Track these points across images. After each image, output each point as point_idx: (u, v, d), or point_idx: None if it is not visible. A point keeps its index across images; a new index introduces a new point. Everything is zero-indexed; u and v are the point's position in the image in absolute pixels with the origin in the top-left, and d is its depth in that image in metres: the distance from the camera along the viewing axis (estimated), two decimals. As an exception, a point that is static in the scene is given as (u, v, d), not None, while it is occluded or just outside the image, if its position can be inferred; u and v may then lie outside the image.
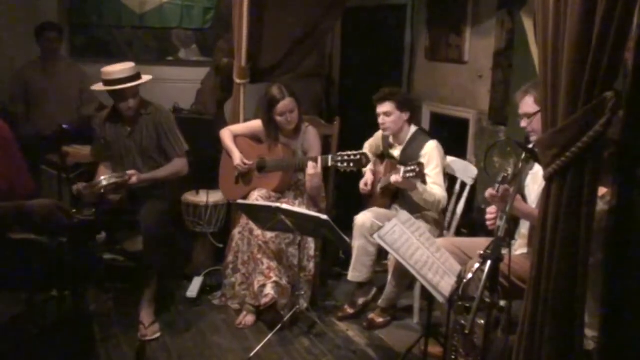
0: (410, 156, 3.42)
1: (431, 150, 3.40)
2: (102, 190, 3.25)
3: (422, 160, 3.35)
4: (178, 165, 3.58)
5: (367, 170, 3.68)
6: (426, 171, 3.34)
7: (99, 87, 3.47)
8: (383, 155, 3.73)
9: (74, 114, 4.53)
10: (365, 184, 3.64)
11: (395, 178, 3.23)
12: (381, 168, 3.66)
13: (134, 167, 3.49)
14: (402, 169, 3.16)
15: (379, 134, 3.74)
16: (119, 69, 3.41)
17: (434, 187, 3.34)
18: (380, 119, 3.50)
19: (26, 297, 3.10)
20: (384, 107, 3.47)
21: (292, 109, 3.52)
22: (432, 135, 3.58)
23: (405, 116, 3.49)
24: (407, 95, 3.55)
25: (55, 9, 5.04)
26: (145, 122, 3.53)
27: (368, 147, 3.81)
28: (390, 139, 3.60)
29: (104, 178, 3.29)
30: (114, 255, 3.47)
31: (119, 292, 3.69)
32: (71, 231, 2.59)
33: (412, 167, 3.12)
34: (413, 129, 3.55)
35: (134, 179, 3.37)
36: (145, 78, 3.51)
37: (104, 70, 3.43)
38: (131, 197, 3.45)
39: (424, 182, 3.32)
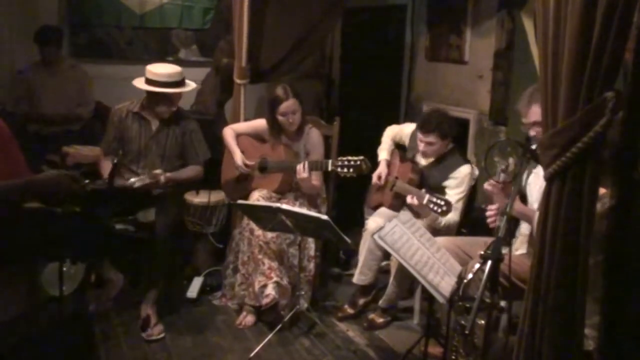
0: (438, 174, 3.37)
1: (464, 176, 3.32)
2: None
3: (451, 181, 3.31)
4: (196, 170, 3.69)
5: (382, 161, 3.59)
6: (450, 192, 3.28)
7: (142, 84, 3.48)
8: (404, 149, 3.65)
9: (71, 114, 4.54)
10: (379, 177, 3.53)
11: (412, 200, 3.15)
12: (397, 162, 3.58)
13: (152, 167, 3.54)
14: (427, 196, 3.07)
15: (408, 129, 3.62)
16: (168, 71, 3.47)
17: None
18: (422, 147, 3.36)
19: (26, 296, 3.10)
20: (428, 138, 3.32)
21: (294, 110, 3.52)
22: (465, 157, 3.46)
23: (447, 142, 3.37)
24: (452, 124, 3.36)
25: (55, 9, 5.03)
26: (173, 128, 3.59)
27: (392, 134, 3.69)
28: None
29: (137, 180, 3.34)
30: (126, 225, 3.47)
31: (121, 293, 3.70)
32: (84, 200, 2.57)
33: (439, 202, 3.01)
34: (449, 145, 3.44)
35: (162, 179, 3.41)
36: (190, 84, 3.58)
37: (153, 70, 3.46)
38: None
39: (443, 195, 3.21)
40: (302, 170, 3.33)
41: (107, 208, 3.37)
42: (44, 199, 2.37)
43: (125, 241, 3.52)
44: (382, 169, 3.57)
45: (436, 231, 3.26)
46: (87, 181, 2.59)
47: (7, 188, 2.27)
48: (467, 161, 3.41)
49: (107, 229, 3.18)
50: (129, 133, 3.57)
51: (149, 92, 3.49)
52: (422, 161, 3.49)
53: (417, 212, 3.31)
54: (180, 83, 3.50)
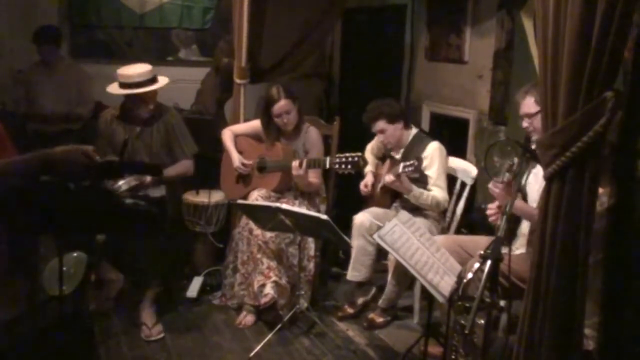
0: (412, 158, 3.42)
1: (433, 151, 3.40)
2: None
3: (424, 162, 3.34)
4: (185, 165, 3.63)
5: (368, 172, 3.68)
6: (428, 172, 3.34)
7: (115, 89, 3.46)
8: (385, 157, 3.72)
9: (70, 114, 4.54)
10: (366, 186, 3.64)
11: (389, 177, 3.23)
12: (382, 170, 3.65)
13: None
14: (401, 164, 3.17)
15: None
16: (138, 71, 3.43)
17: (434, 189, 3.34)
18: (380, 138, 3.52)
19: (26, 296, 3.10)
20: (377, 126, 3.49)
21: (288, 110, 3.53)
22: (433, 136, 3.57)
23: (400, 125, 3.49)
24: (394, 105, 3.52)
25: (55, 9, 5.04)
26: (157, 123, 3.57)
27: (370, 149, 3.80)
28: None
29: (123, 182, 3.32)
30: (136, 200, 3.47)
31: (120, 295, 3.70)
32: (94, 172, 2.57)
33: (411, 162, 3.12)
34: (413, 131, 3.55)
35: (148, 179, 3.40)
36: (163, 81, 3.54)
37: (122, 72, 3.43)
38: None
39: (425, 179, 3.31)
40: (297, 167, 3.34)
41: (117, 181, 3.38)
42: (56, 172, 2.36)
43: (136, 215, 3.50)
44: (367, 179, 3.66)
45: (427, 206, 3.34)
46: (97, 157, 2.59)
47: (21, 162, 2.26)
48: (433, 139, 3.48)
49: (117, 202, 3.17)
50: (116, 137, 3.56)
51: (124, 95, 3.48)
52: (397, 155, 3.56)
53: (416, 209, 3.33)
54: (151, 81, 3.47)
